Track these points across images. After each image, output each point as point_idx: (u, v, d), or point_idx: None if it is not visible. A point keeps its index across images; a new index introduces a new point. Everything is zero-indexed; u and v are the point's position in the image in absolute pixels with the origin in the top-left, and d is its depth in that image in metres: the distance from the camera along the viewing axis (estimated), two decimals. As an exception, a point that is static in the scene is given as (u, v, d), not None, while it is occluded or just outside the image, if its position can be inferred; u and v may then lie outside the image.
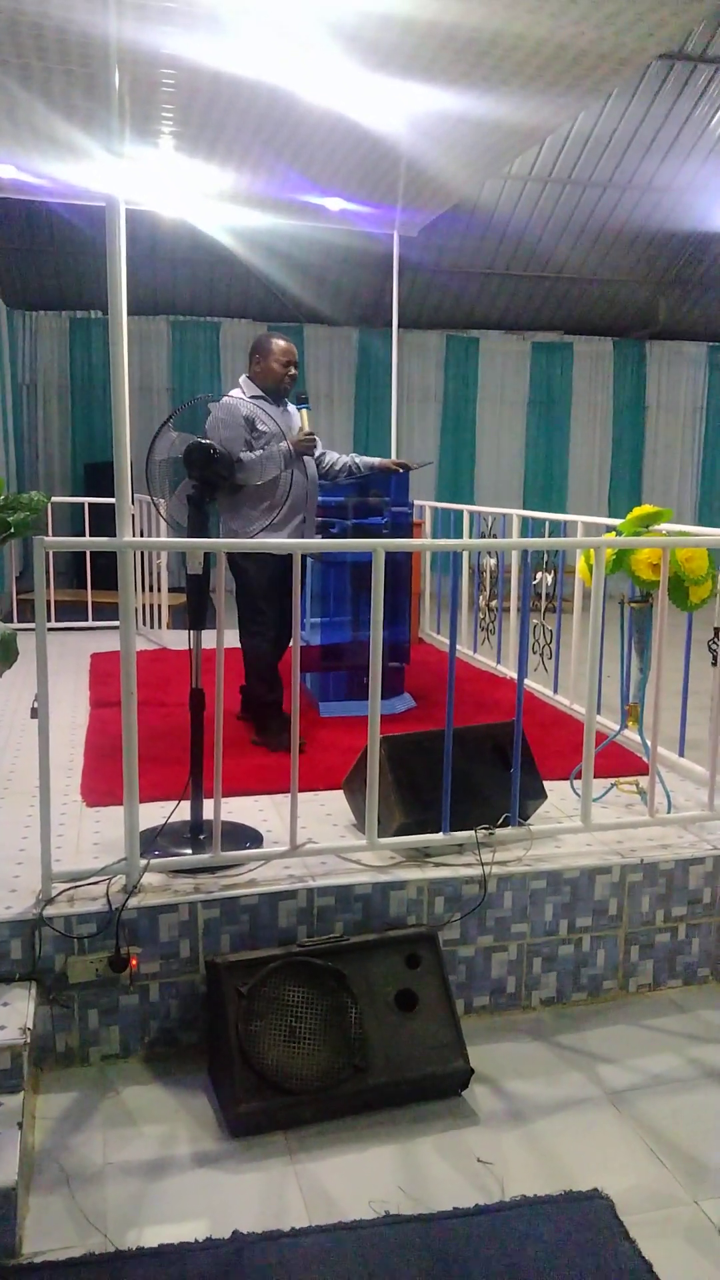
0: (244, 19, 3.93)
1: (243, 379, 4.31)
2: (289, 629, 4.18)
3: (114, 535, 2.68)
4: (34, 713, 2.63)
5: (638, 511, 3.63)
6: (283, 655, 4.23)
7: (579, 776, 3.25)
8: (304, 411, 4.25)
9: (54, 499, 6.82)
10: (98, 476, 9.69)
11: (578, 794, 3.32)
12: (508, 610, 5.66)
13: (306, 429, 4.17)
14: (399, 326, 7.08)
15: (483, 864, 2.91)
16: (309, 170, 5.80)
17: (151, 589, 6.76)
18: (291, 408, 4.35)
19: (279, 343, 4.26)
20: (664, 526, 3.68)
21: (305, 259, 9.39)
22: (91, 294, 10.27)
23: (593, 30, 3.98)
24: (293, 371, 4.28)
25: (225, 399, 4.16)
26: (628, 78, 5.50)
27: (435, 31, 3.97)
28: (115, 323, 2.59)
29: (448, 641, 6.29)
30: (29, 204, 7.43)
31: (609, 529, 3.95)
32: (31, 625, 2.72)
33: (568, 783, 3.57)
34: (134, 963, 2.61)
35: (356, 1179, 2.25)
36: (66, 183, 6.13)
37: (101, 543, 2.77)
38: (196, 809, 3.02)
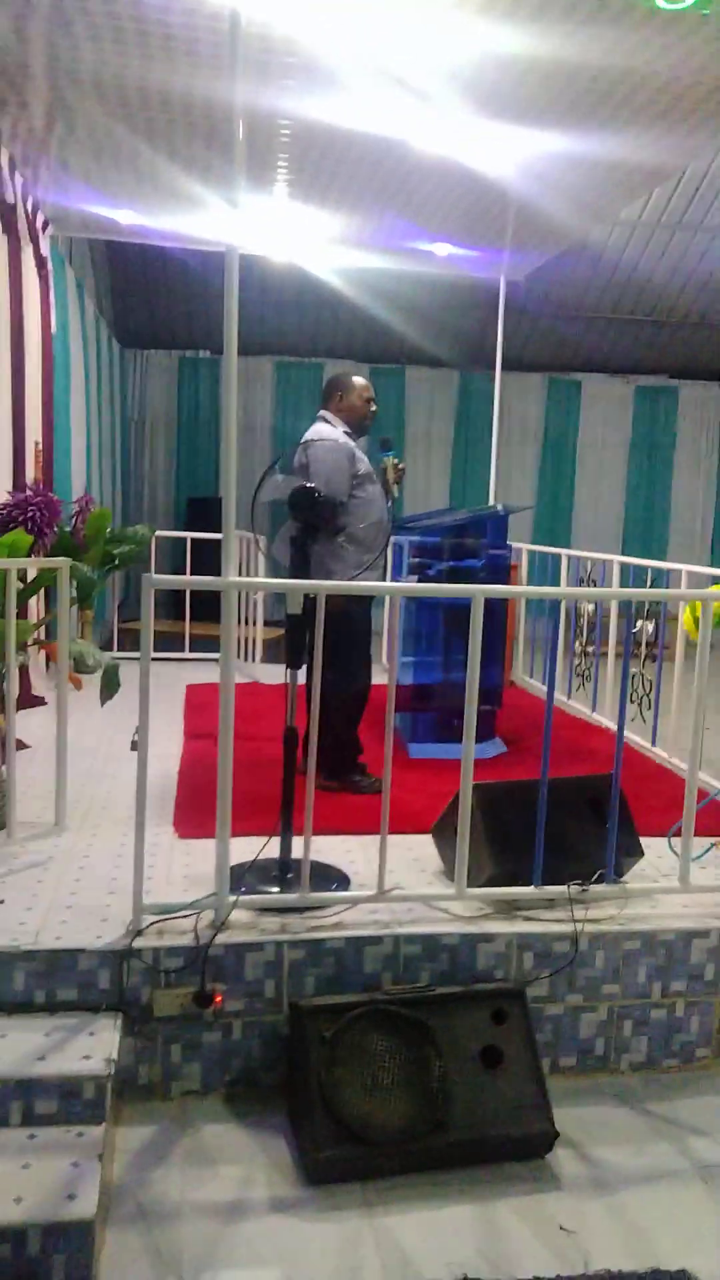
0: (362, 72, 4.03)
1: (327, 414, 4.19)
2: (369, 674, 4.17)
3: (216, 569, 2.72)
4: (134, 745, 2.68)
5: (745, 563, 3.54)
6: (364, 706, 4.20)
7: (678, 834, 3.16)
8: (390, 458, 4.18)
9: (158, 533, 7.00)
10: (200, 510, 9.90)
11: (675, 852, 3.23)
12: (604, 655, 5.57)
13: (400, 465, 4.16)
14: (501, 369, 7.11)
15: (575, 921, 2.84)
16: (418, 217, 5.89)
17: (247, 622, 6.84)
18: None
19: (359, 380, 4.24)
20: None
21: (410, 301, 9.49)
22: (201, 334, 10.55)
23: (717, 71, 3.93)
24: (374, 408, 4.25)
25: (322, 437, 4.07)
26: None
27: (557, 72, 3.97)
28: (228, 366, 2.64)
29: (541, 686, 6.23)
30: (143, 245, 7.69)
31: (715, 579, 3.87)
32: (132, 654, 2.78)
33: (665, 840, 3.47)
34: (219, 999, 2.62)
35: (433, 1238, 2.20)
36: (184, 231, 6.35)
37: (206, 582, 2.82)
38: (286, 847, 3.02)
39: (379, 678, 4.53)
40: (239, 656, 6.90)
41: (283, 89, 4.24)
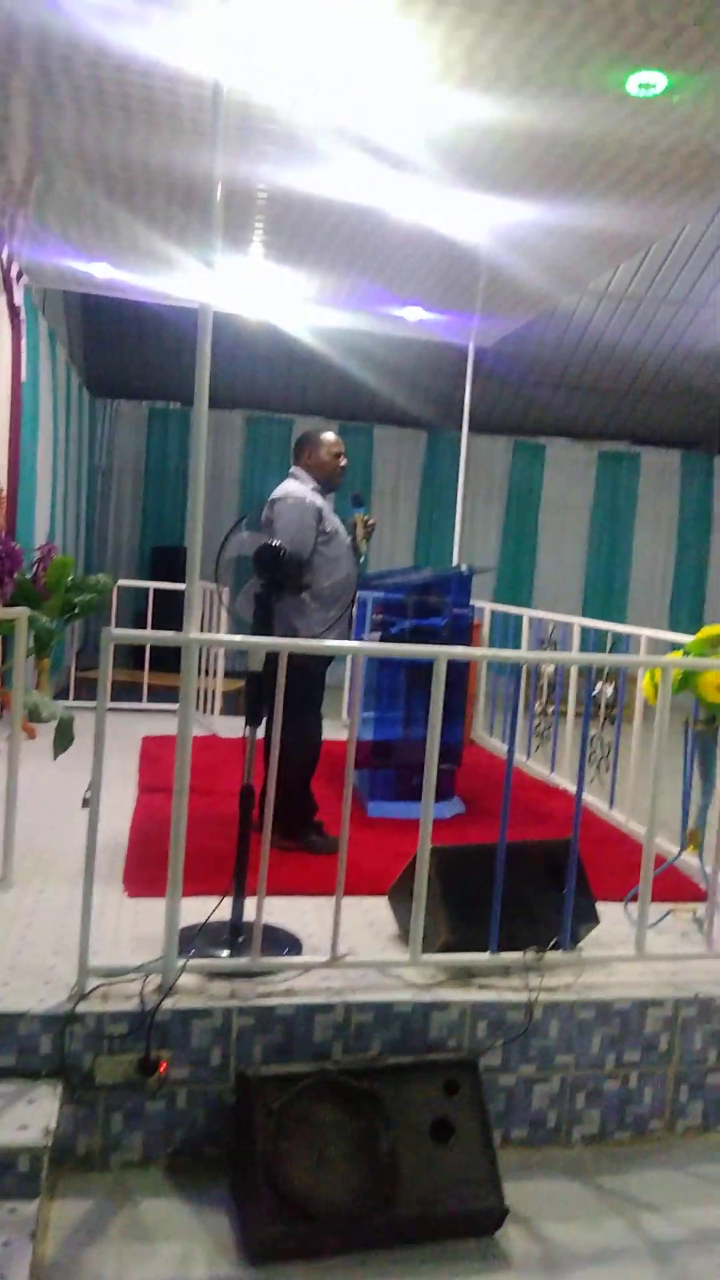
0: (341, 143, 4.11)
1: (296, 471, 4.19)
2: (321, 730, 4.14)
3: (178, 619, 2.69)
4: (85, 803, 2.63)
5: (706, 631, 3.58)
6: (317, 762, 4.17)
7: (634, 899, 3.14)
8: (360, 514, 4.19)
9: (120, 582, 6.97)
10: (165, 559, 9.89)
11: (631, 918, 3.21)
12: (564, 715, 5.58)
13: (370, 521, 4.18)
14: (468, 431, 7.20)
15: (530, 989, 2.80)
16: (391, 282, 5.99)
17: (208, 673, 6.80)
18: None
19: (329, 435, 4.23)
20: (731, 648, 3.61)
21: (381, 360, 9.63)
22: (172, 385, 10.61)
23: (693, 150, 4.02)
24: (343, 463, 4.23)
25: (289, 494, 4.05)
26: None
27: (533, 144, 4.06)
28: (198, 423, 2.65)
29: (501, 745, 6.24)
30: (119, 297, 7.76)
31: (675, 645, 3.91)
32: (88, 704, 2.74)
33: (621, 906, 3.46)
34: (163, 1067, 2.54)
35: (379, 1324, 2.13)
36: (160, 289, 6.41)
37: (166, 637, 2.79)
38: (238, 909, 2.97)
39: (339, 733, 4.50)
40: (197, 708, 6.84)
41: (261, 155, 4.32)
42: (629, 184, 4.37)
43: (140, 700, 6.95)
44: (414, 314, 6.65)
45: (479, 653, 5.30)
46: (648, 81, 3.47)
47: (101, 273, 6.34)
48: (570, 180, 4.38)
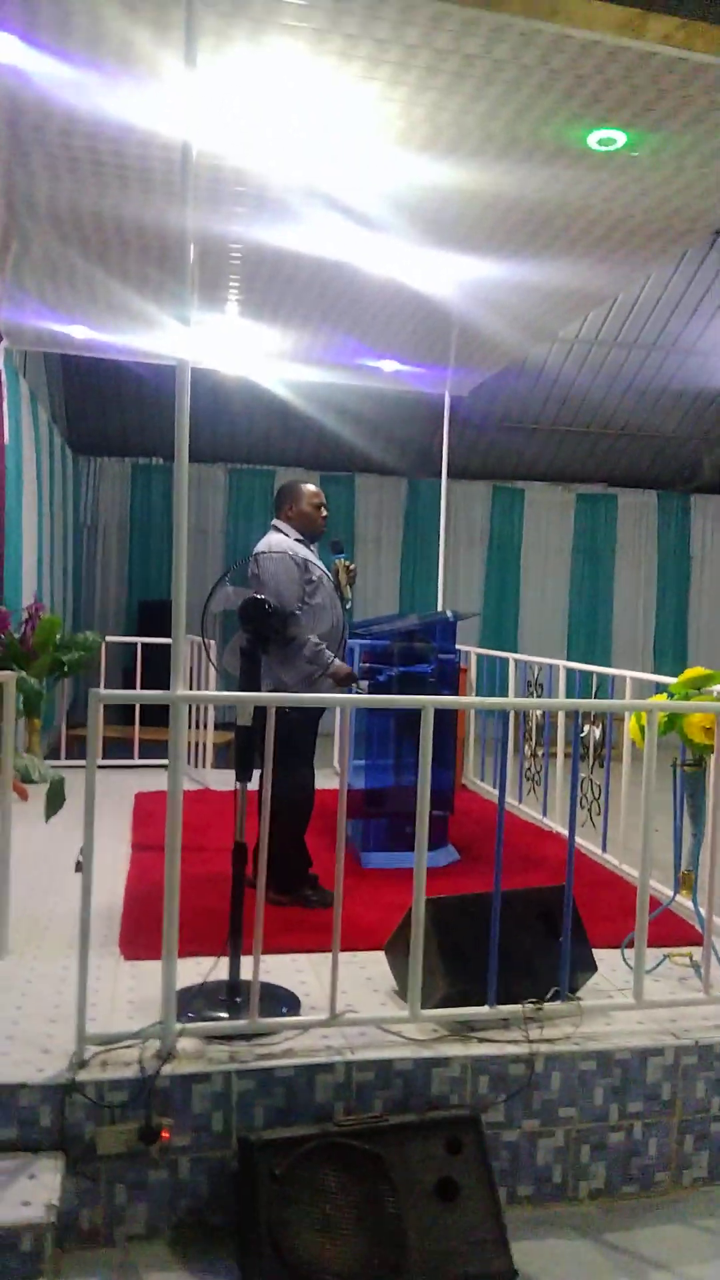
0: (310, 200, 4.21)
1: (278, 523, 4.24)
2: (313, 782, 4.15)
3: (167, 673, 2.70)
4: (78, 866, 2.62)
5: (689, 674, 3.62)
6: (310, 815, 4.17)
7: (630, 945, 3.14)
8: (342, 560, 4.28)
9: (108, 638, 6.98)
10: (152, 613, 9.91)
11: (628, 964, 3.20)
12: (554, 756, 5.60)
13: (351, 566, 4.23)
14: (447, 477, 7.29)
15: (530, 1041, 2.79)
16: (366, 336, 6.09)
17: (198, 725, 6.79)
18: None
19: (308, 487, 4.31)
20: (717, 689, 3.65)
21: (358, 411, 9.76)
22: (154, 441, 10.71)
23: (645, 211, 4.18)
24: (324, 513, 4.30)
25: (272, 547, 4.09)
26: (675, 256, 5.72)
27: (496, 204, 4.19)
28: (179, 477, 2.68)
29: (492, 790, 6.24)
30: (98, 357, 7.85)
31: (659, 688, 3.94)
32: (79, 763, 2.74)
33: (618, 951, 3.45)
34: (165, 1135, 2.51)
35: None
36: (137, 347, 6.50)
37: (154, 696, 2.80)
38: (234, 969, 2.95)
39: (331, 781, 4.50)
40: (189, 762, 6.82)
41: (233, 215, 4.41)
42: (591, 239, 4.49)
43: (132, 756, 6.92)
44: (390, 366, 6.76)
45: (466, 701, 5.33)
46: (607, 138, 3.58)
47: (80, 334, 6.42)
48: (533, 237, 4.49)
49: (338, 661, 4.07)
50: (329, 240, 4.67)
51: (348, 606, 4.27)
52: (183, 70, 2.68)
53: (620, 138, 3.57)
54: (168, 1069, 2.56)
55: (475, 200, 4.16)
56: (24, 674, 4.42)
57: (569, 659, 8.18)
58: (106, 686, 6.62)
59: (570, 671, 5.55)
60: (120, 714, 7.94)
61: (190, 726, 6.81)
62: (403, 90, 3.33)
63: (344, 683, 4.11)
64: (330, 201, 4.22)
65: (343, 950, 2.88)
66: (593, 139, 3.59)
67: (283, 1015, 2.87)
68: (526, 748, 6.27)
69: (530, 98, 3.34)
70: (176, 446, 2.68)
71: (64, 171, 4.04)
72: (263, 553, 4.09)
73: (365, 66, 3.19)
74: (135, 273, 5.23)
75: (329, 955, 2.85)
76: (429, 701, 2.96)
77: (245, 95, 3.40)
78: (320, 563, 4.20)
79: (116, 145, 3.78)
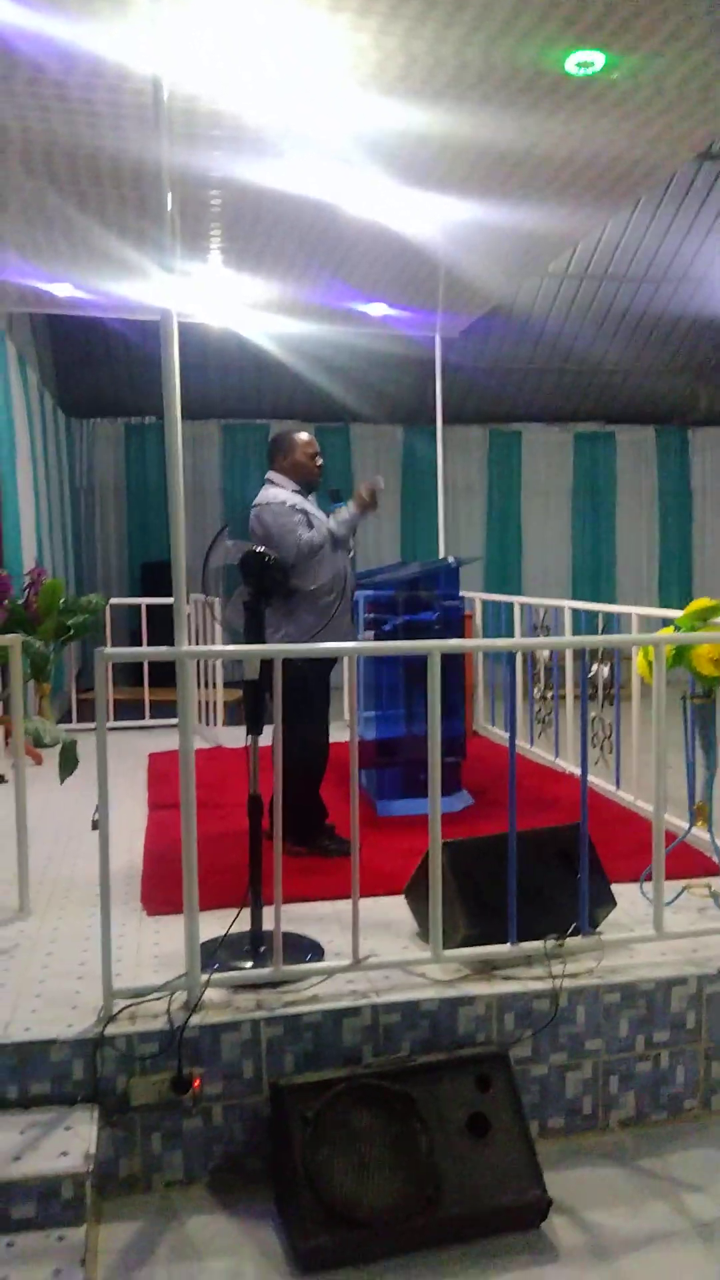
0: (287, 141, 4.11)
1: (274, 475, 4.19)
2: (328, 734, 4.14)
3: (172, 635, 2.69)
4: (95, 825, 2.63)
5: (695, 605, 3.59)
6: (325, 766, 4.17)
7: (648, 879, 3.15)
8: (342, 507, 4.23)
9: (112, 600, 6.95)
10: (154, 575, 9.87)
11: (647, 897, 3.22)
12: (563, 698, 5.60)
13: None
14: (442, 423, 7.21)
15: (553, 977, 2.81)
16: (352, 279, 5.98)
17: (207, 684, 6.79)
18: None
19: (302, 435, 4.23)
20: (724, 620, 3.62)
21: (349, 362, 9.62)
22: (145, 401, 10.58)
23: (623, 141, 4.09)
24: (319, 462, 4.23)
25: (271, 500, 4.06)
26: (657, 184, 5.61)
27: (469, 148, 4.11)
28: (171, 432, 2.63)
29: (503, 734, 6.25)
30: (85, 317, 7.74)
31: (665, 622, 3.91)
32: (91, 726, 2.74)
33: (636, 886, 3.47)
34: (197, 1084, 2.54)
35: (433, 1323, 2.13)
36: (121, 298, 6.39)
37: (160, 652, 2.79)
38: (256, 919, 2.97)
39: (343, 734, 4.49)
40: (200, 720, 6.83)
41: (210, 158, 4.31)
42: (571, 171, 4.39)
43: (143, 717, 6.94)
44: (379, 310, 6.64)
45: (472, 644, 5.30)
46: (586, 60, 3.47)
47: (63, 291, 6.31)
48: (513, 174, 4.40)
49: (346, 510, 4.08)
50: (310, 182, 4.57)
51: (351, 555, 4.23)
52: (149, 3, 2.59)
53: (599, 59, 3.46)
54: (196, 1019, 2.58)
55: (452, 141, 4.06)
56: (29, 637, 4.40)
57: (574, 600, 8.16)
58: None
59: (576, 612, 5.53)
60: (129, 676, 7.95)
61: (200, 686, 6.82)
62: (374, 19, 3.21)
63: (368, 508, 4.13)
64: (308, 142, 4.11)
65: (362, 897, 2.89)
66: (571, 62, 3.47)
67: (307, 962, 2.89)
68: (535, 690, 6.27)
69: (506, 21, 3.22)
70: (166, 401, 2.63)
71: (33, 110, 3.92)
72: (264, 504, 4.05)
73: (333, -1, 3.08)
74: (115, 220, 5.12)
75: (349, 902, 2.86)
76: (435, 646, 2.94)
77: (215, 30, 3.28)
78: (320, 512, 4.16)
79: (86, 85, 3.67)
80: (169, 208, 2.71)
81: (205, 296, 6.43)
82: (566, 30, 3.27)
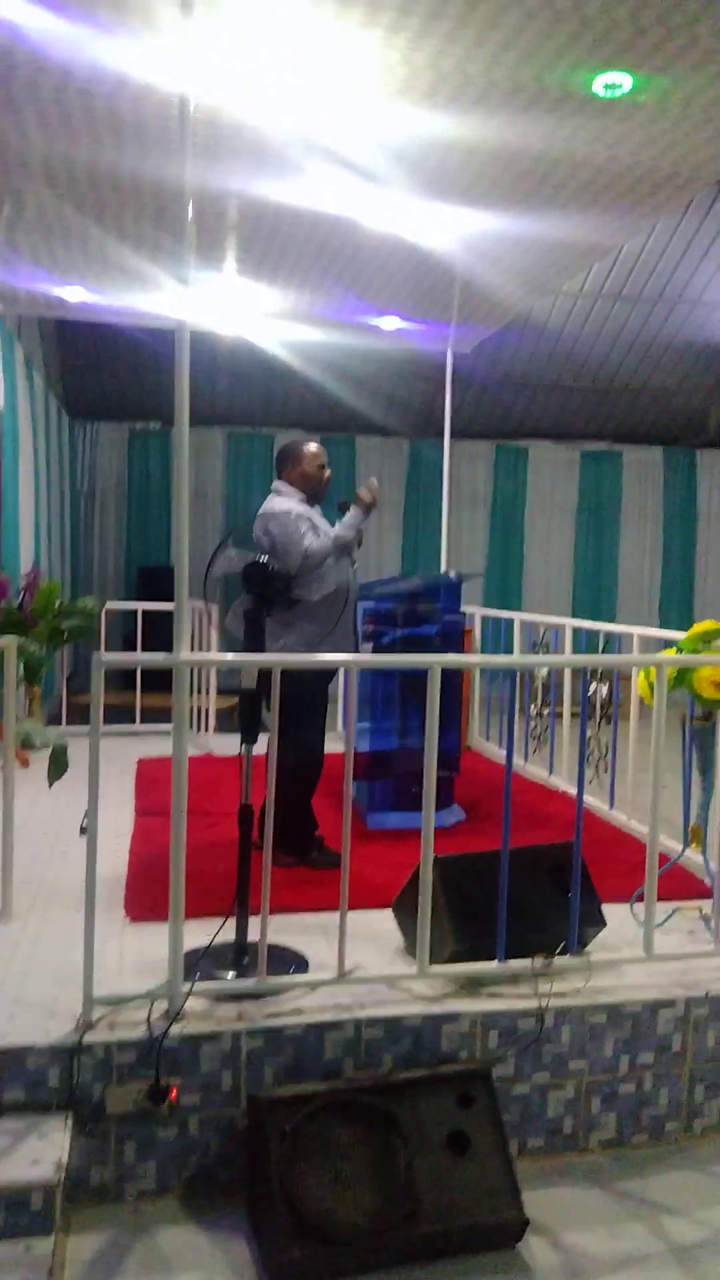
0: (310, 154, 4.11)
1: (281, 485, 4.18)
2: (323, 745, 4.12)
3: (168, 639, 2.66)
4: (83, 830, 2.60)
5: (699, 628, 3.58)
6: (318, 778, 4.15)
7: (639, 900, 3.13)
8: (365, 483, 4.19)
9: (108, 604, 6.94)
10: (151, 579, 9.86)
11: (637, 919, 3.19)
12: (560, 716, 5.57)
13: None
14: (450, 436, 7.20)
15: (539, 996, 2.78)
16: (366, 292, 5.99)
17: (201, 691, 6.77)
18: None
19: (311, 446, 4.22)
20: (723, 642, 3.61)
21: (359, 372, 9.64)
22: (151, 406, 10.60)
23: (650, 157, 4.08)
24: (327, 474, 4.22)
25: (278, 509, 4.05)
26: (688, 198, 5.59)
27: (495, 159, 4.09)
28: (179, 441, 2.63)
29: (498, 750, 6.23)
30: (93, 322, 7.75)
31: (667, 643, 3.90)
32: (81, 729, 2.72)
33: (627, 906, 3.44)
34: (174, 1094, 2.51)
35: (404, 1344, 2.10)
36: (133, 307, 6.40)
37: (157, 659, 2.76)
38: (241, 929, 2.94)
39: (336, 745, 4.46)
40: (191, 728, 6.81)
41: (231, 170, 4.32)
42: (595, 189, 4.39)
43: (134, 722, 6.91)
44: (391, 323, 6.65)
45: (472, 659, 5.29)
46: (613, 82, 3.47)
47: (75, 297, 6.32)
48: (537, 188, 4.39)
49: (349, 514, 4.09)
50: (329, 195, 4.57)
51: (354, 565, 4.22)
52: (179, 19, 2.60)
53: (626, 81, 3.46)
54: (175, 1029, 2.56)
55: (478, 152, 4.06)
56: (24, 640, 4.38)
57: (574, 618, 8.15)
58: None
59: (576, 630, 5.51)
60: (121, 680, 7.92)
61: (193, 692, 6.79)
62: (404, 36, 3.22)
63: (370, 508, 4.15)
64: (330, 155, 4.11)
65: (350, 910, 2.86)
66: (598, 83, 3.48)
67: (291, 974, 2.86)
68: (532, 707, 6.25)
69: (535, 42, 3.23)
70: (176, 410, 2.62)
71: (58, 127, 3.94)
72: (270, 514, 4.04)
73: (366, 12, 3.09)
74: (131, 232, 5.14)
75: (336, 915, 2.84)
76: (435, 660, 2.92)
77: (243, 45, 3.29)
78: (325, 523, 4.15)
79: (111, 99, 3.69)
80: (189, 220, 2.71)
81: (217, 305, 6.44)
82: (595, 52, 3.28)
